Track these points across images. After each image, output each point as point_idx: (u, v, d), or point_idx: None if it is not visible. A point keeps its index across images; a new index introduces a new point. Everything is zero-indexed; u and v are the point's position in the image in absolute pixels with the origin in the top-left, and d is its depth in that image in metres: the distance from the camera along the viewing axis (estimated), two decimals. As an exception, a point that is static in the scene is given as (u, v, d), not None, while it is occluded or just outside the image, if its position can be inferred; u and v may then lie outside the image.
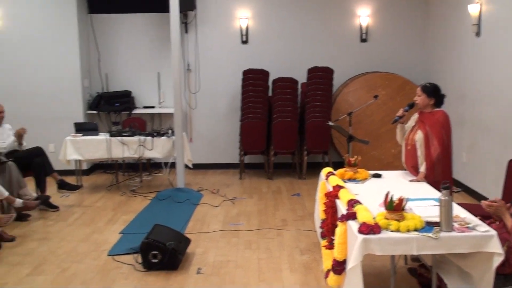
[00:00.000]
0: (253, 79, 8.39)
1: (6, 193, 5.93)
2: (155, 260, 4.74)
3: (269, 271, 4.74)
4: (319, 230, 4.85)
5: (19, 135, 6.87)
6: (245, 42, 9.02)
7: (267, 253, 5.20)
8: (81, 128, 7.81)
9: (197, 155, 8.77)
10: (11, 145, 6.84)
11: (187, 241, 5.16)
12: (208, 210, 6.75)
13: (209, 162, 9.22)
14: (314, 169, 8.62)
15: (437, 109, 4.73)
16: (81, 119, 8.65)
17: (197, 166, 8.73)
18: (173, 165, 7.85)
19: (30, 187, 6.69)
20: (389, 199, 3.41)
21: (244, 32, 8.98)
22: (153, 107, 9.16)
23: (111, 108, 8.86)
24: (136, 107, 9.09)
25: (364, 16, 8.95)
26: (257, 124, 8.33)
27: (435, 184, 4.36)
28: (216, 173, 8.97)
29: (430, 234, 3.23)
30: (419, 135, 4.68)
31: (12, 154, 6.77)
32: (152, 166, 9.01)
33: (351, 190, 4.13)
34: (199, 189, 7.75)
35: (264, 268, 4.83)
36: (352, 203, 3.62)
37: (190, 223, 6.21)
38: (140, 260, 4.87)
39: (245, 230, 5.93)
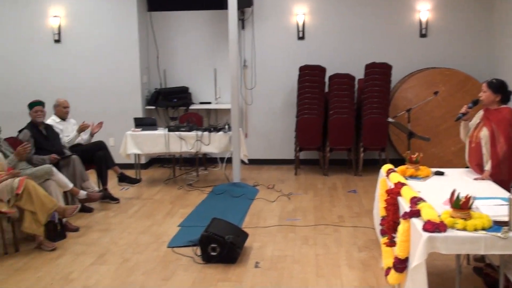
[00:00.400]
0: (310, 75, 8.35)
1: (71, 185, 6.14)
2: (214, 253, 4.81)
3: (327, 267, 4.72)
4: (378, 228, 4.79)
5: (82, 130, 7.08)
6: (301, 38, 8.99)
7: (324, 249, 5.17)
8: (140, 123, 8.00)
9: (252, 151, 8.82)
10: (73, 139, 7.07)
11: (245, 235, 5.20)
12: (264, 205, 6.78)
13: (264, 158, 9.26)
14: (370, 166, 8.54)
15: (504, 105, 4.57)
16: (140, 114, 8.86)
17: (253, 162, 8.78)
18: (229, 160, 7.92)
19: (92, 180, 6.90)
20: (455, 197, 3.33)
21: (300, 28, 8.96)
22: (209, 102, 9.27)
23: (168, 104, 9.03)
24: (193, 103, 9.23)
25: (424, 11, 8.74)
26: (313, 120, 8.29)
27: (501, 183, 4.22)
28: (271, 169, 9.00)
29: (499, 234, 3.14)
30: (484, 133, 4.53)
31: (76, 148, 7.00)
32: (208, 161, 9.13)
33: (413, 188, 4.05)
34: (254, 184, 7.80)
35: (322, 264, 4.81)
36: (415, 200, 3.55)
37: (247, 218, 6.26)
38: (199, 252, 4.95)
39: (302, 225, 5.92)
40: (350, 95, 8.33)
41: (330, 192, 7.45)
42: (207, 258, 4.85)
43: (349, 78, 8.33)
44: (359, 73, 8.40)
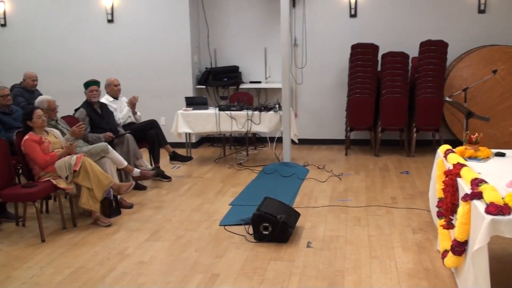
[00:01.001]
0: (362, 54, 8.19)
1: (125, 163, 6.26)
2: (266, 232, 4.81)
3: (381, 248, 4.65)
4: (435, 209, 4.67)
5: (132, 104, 7.20)
6: (353, 15, 8.81)
7: (377, 230, 5.10)
8: (191, 102, 8.06)
9: (302, 130, 8.77)
10: (126, 115, 7.19)
11: (296, 215, 5.18)
12: (315, 185, 6.74)
13: (314, 138, 9.19)
14: (423, 147, 8.36)
15: None
16: (190, 93, 8.93)
17: (302, 141, 8.74)
18: (279, 139, 7.89)
19: (144, 158, 7.01)
20: (519, 178, 3.20)
21: (352, 5, 8.77)
22: (259, 82, 9.24)
23: (219, 83, 9.06)
24: (243, 82, 9.23)
25: (483, -14, 8.40)
26: (364, 100, 8.14)
27: None
28: (321, 149, 8.93)
29: None
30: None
31: (129, 127, 7.13)
32: (258, 140, 9.13)
33: (473, 169, 3.92)
34: (304, 164, 7.76)
35: (375, 245, 4.74)
36: (477, 182, 3.43)
37: (297, 198, 6.24)
38: (251, 231, 4.97)
39: (353, 206, 5.85)
40: (404, 74, 8.12)
41: (381, 173, 7.32)
42: (259, 237, 4.86)
43: (402, 56, 8.12)
44: (413, 51, 8.18)
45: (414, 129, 8.15)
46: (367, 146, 8.85)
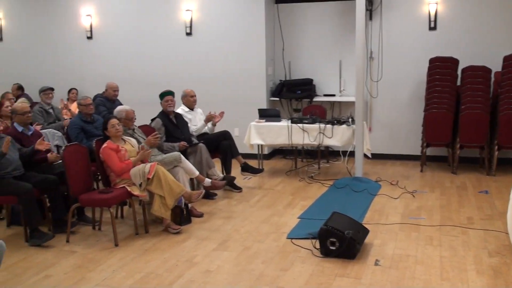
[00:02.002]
0: (440, 68, 7.95)
1: (197, 172, 6.40)
2: (333, 248, 4.75)
3: (453, 271, 4.46)
4: (513, 232, 4.41)
5: (208, 121, 7.36)
6: (433, 28, 8.56)
7: (450, 251, 4.89)
8: (264, 114, 8.12)
9: (376, 145, 8.60)
10: (201, 129, 7.37)
11: (365, 231, 5.08)
12: (387, 202, 6.57)
13: (388, 153, 8.98)
14: (505, 166, 7.98)
15: None
16: (264, 105, 9.00)
17: (376, 156, 8.56)
18: (351, 153, 7.77)
19: (217, 168, 7.12)
20: None
21: (432, 18, 8.53)
22: (333, 95, 9.17)
23: (292, 96, 9.08)
24: (316, 95, 9.19)
25: None
26: (442, 115, 7.86)
27: None
28: (395, 164, 8.71)
29: None
30: None
31: (203, 137, 7.29)
32: (330, 153, 9.05)
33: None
34: (377, 179, 7.59)
35: (447, 266, 4.55)
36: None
37: (368, 213, 6.11)
38: (318, 245, 4.92)
39: (426, 225, 5.65)
40: (485, 89, 7.79)
41: (458, 191, 7.03)
42: (326, 252, 4.80)
43: (484, 70, 7.79)
44: (496, 66, 7.83)
45: (496, 147, 7.77)
46: (444, 163, 8.53)
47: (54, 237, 5.34)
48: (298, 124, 7.65)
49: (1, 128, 6.04)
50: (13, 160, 5.46)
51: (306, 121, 7.70)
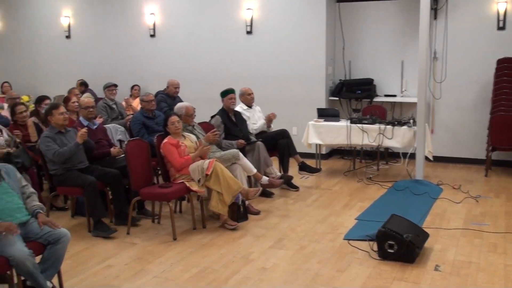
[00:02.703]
0: (509, 69, 7.65)
1: (255, 170, 6.42)
2: (391, 250, 4.65)
3: (518, 280, 4.28)
4: None
5: (269, 120, 7.40)
6: (501, 28, 8.20)
7: (516, 260, 4.70)
8: (323, 114, 8.06)
9: (438, 147, 8.35)
10: (261, 127, 7.41)
11: (425, 235, 4.94)
12: (448, 206, 6.37)
13: (450, 156, 8.71)
14: None
15: None
16: (323, 105, 8.93)
17: (437, 159, 8.32)
18: (412, 155, 7.58)
19: (274, 166, 7.12)
20: None
21: (501, 17, 8.18)
22: (394, 95, 8.99)
23: (352, 95, 8.96)
24: (377, 95, 9.04)
25: None
26: (510, 118, 7.54)
27: None
28: (457, 168, 8.44)
29: None
30: None
31: (261, 135, 7.32)
32: (389, 155, 8.87)
33: None
34: (438, 183, 7.37)
35: (512, 276, 4.38)
36: None
37: (428, 217, 5.94)
38: (375, 248, 4.83)
39: (490, 231, 5.43)
40: (557, 92, 7.43)
41: (526, 198, 6.74)
42: (384, 255, 4.71)
43: (557, 72, 7.43)
44: None
45: None
46: (511, 168, 8.18)
47: (116, 232, 5.48)
48: (358, 124, 7.55)
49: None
50: (79, 153, 5.66)
51: (365, 122, 7.59)
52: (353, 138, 7.58)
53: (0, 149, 5.62)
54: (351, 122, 7.62)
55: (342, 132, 7.65)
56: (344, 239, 5.28)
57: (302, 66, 9.12)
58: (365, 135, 7.50)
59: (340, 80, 9.24)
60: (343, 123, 7.73)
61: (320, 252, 4.95)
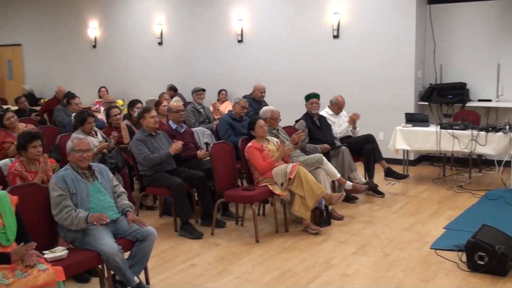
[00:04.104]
0: None
1: (338, 175, 6.35)
2: (481, 262, 4.43)
3: None
4: None
5: (353, 121, 7.29)
6: None
7: None
8: (411, 119, 7.83)
9: (537, 156, 7.83)
10: (345, 130, 7.31)
11: (519, 248, 4.66)
12: (547, 218, 5.97)
13: (551, 165, 8.14)
14: None
15: None
16: (411, 109, 8.67)
17: (536, 168, 7.81)
18: (507, 163, 7.17)
19: (359, 172, 7.01)
20: None
21: None
22: (489, 100, 8.55)
23: (443, 100, 8.64)
24: (470, 100, 8.64)
25: None
26: None
27: None
28: (559, 178, 7.87)
29: None
30: None
31: (346, 140, 7.23)
32: (483, 162, 8.45)
33: None
34: (537, 193, 6.93)
35: None
36: None
37: (524, 229, 5.59)
38: (464, 259, 4.62)
39: None
40: None
41: None
42: (473, 267, 4.49)
43: None
44: None
45: None
46: None
47: (202, 235, 5.60)
48: (448, 130, 7.25)
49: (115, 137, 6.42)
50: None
51: (457, 127, 7.27)
52: (443, 144, 7.28)
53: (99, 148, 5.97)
54: (441, 128, 7.34)
55: (431, 137, 7.38)
56: (430, 248, 5.10)
57: (390, 70, 8.90)
58: (456, 141, 7.19)
59: (431, 84, 8.92)
60: (432, 128, 7.46)
61: (404, 261, 4.81)
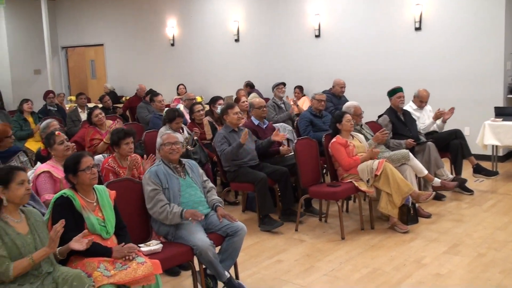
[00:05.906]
0: None
1: (426, 171, 6.12)
2: None
3: None
4: None
5: (437, 117, 6.97)
6: None
7: None
8: (502, 113, 7.48)
9: None
10: (429, 126, 7.04)
11: None
12: None
13: None
14: None
15: None
16: (500, 103, 8.27)
17: None
18: None
19: (446, 168, 6.75)
20: None
21: None
22: None
23: (535, 93, 8.18)
24: None
25: None
26: None
27: None
28: None
29: None
30: None
31: (432, 135, 6.98)
32: None
33: None
34: None
35: None
36: None
37: None
38: None
39: None
40: None
41: None
42: None
43: None
44: None
45: None
46: None
47: (283, 225, 5.62)
48: (543, 124, 6.86)
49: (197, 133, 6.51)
50: (250, 151, 5.90)
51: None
52: (537, 139, 6.90)
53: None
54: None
55: (523, 132, 7.01)
56: (528, 249, 4.83)
57: (477, 62, 8.51)
58: (551, 136, 6.79)
59: (521, 76, 8.48)
60: (526, 123, 7.08)
61: (501, 261, 4.58)
